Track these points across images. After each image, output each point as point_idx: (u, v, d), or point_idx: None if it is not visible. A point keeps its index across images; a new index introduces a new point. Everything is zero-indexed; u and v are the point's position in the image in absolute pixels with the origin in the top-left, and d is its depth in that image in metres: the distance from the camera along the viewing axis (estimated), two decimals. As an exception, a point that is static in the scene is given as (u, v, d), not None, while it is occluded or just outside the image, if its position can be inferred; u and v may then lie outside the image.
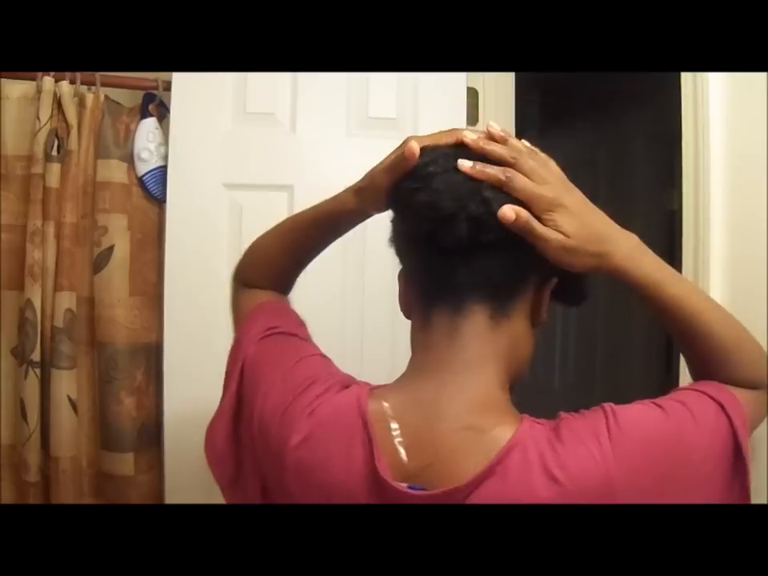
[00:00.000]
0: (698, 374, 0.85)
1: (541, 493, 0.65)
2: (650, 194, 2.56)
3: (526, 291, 0.79)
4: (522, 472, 0.66)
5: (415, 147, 0.77)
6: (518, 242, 0.73)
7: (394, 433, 0.73)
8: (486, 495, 0.66)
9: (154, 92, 1.76)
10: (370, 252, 1.71)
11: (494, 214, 0.71)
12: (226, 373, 0.92)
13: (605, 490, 0.65)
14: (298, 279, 1.15)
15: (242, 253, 1.69)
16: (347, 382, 0.82)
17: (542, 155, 0.80)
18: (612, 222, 0.80)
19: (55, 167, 1.67)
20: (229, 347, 1.68)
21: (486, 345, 0.76)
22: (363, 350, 1.73)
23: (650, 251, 0.83)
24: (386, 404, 0.76)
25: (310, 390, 0.80)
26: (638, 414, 0.72)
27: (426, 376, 0.77)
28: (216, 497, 1.69)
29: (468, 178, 0.73)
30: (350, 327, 1.72)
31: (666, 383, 2.35)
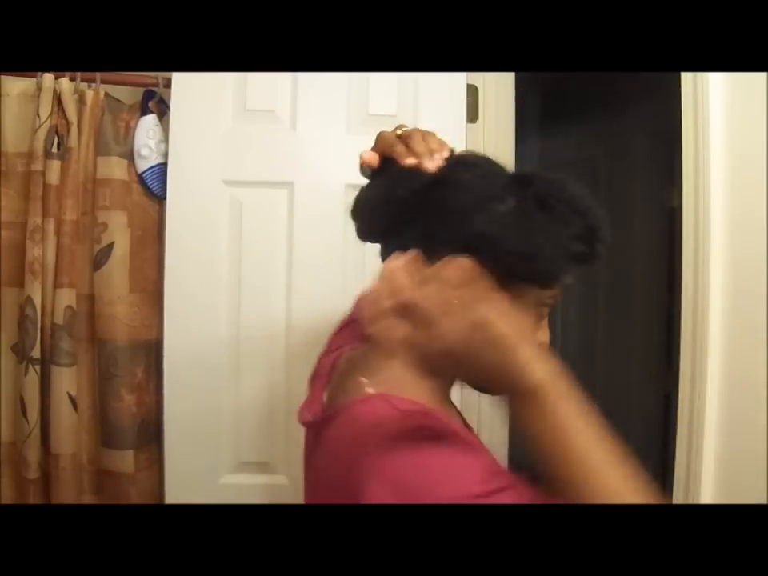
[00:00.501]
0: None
1: (319, 452, 0.80)
2: (650, 192, 2.56)
3: None
4: (331, 431, 0.79)
5: (365, 158, 0.85)
6: (394, 230, 0.81)
7: (332, 381, 0.91)
8: (322, 439, 0.81)
9: (154, 89, 1.76)
10: (369, 247, 1.71)
11: (357, 210, 0.85)
12: None
13: (339, 478, 0.73)
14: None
15: (242, 250, 1.71)
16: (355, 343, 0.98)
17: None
18: (507, 368, 0.71)
19: (55, 164, 1.67)
20: (228, 343, 1.70)
21: None
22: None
23: (552, 399, 0.70)
24: (342, 360, 0.93)
25: (331, 348, 1.04)
26: (414, 454, 0.69)
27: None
28: (216, 496, 1.70)
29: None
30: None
31: (666, 382, 2.35)
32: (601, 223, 0.77)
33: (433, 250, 0.77)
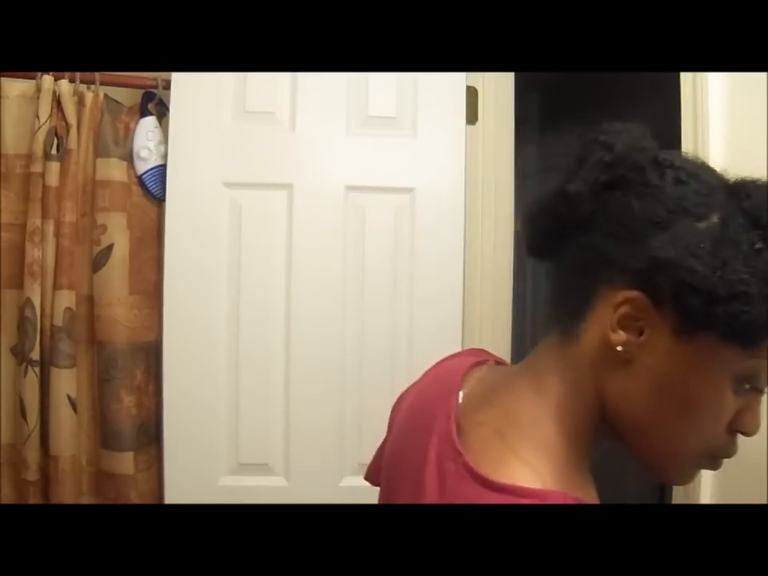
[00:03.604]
0: None
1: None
2: (649, 193, 2.56)
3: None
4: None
5: None
6: (557, 241, 0.67)
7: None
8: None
9: (154, 90, 1.76)
10: (369, 249, 1.71)
11: (525, 215, 0.71)
12: None
13: None
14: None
15: (241, 252, 1.71)
16: None
17: None
18: None
19: (55, 166, 1.67)
20: (227, 345, 1.70)
21: None
22: (363, 341, 1.73)
23: None
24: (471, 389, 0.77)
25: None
26: None
27: None
28: (215, 497, 1.71)
29: None
30: (349, 331, 1.72)
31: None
32: None
33: (598, 274, 0.62)
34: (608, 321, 0.60)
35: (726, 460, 0.65)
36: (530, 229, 0.69)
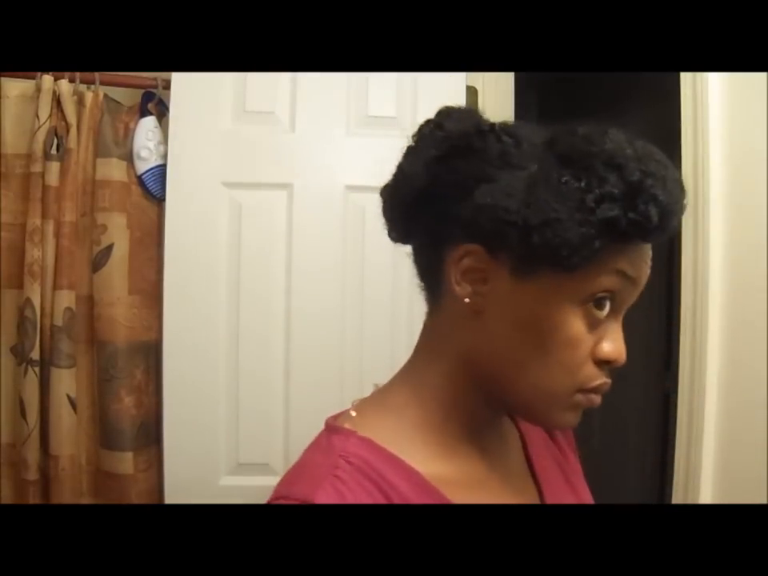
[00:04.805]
0: None
1: None
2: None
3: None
4: None
5: None
6: (410, 220, 0.73)
7: None
8: None
9: (154, 90, 1.77)
10: (369, 249, 1.71)
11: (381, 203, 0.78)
12: None
13: None
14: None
15: (241, 252, 1.71)
16: None
17: None
18: None
19: (54, 166, 1.67)
20: (227, 345, 1.70)
21: None
22: (363, 342, 1.73)
23: None
24: None
25: None
26: None
27: None
28: (215, 497, 1.71)
29: None
30: (349, 322, 1.72)
31: (666, 382, 2.35)
32: (653, 178, 0.59)
33: (441, 238, 0.67)
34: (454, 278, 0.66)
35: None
36: (385, 215, 0.75)
